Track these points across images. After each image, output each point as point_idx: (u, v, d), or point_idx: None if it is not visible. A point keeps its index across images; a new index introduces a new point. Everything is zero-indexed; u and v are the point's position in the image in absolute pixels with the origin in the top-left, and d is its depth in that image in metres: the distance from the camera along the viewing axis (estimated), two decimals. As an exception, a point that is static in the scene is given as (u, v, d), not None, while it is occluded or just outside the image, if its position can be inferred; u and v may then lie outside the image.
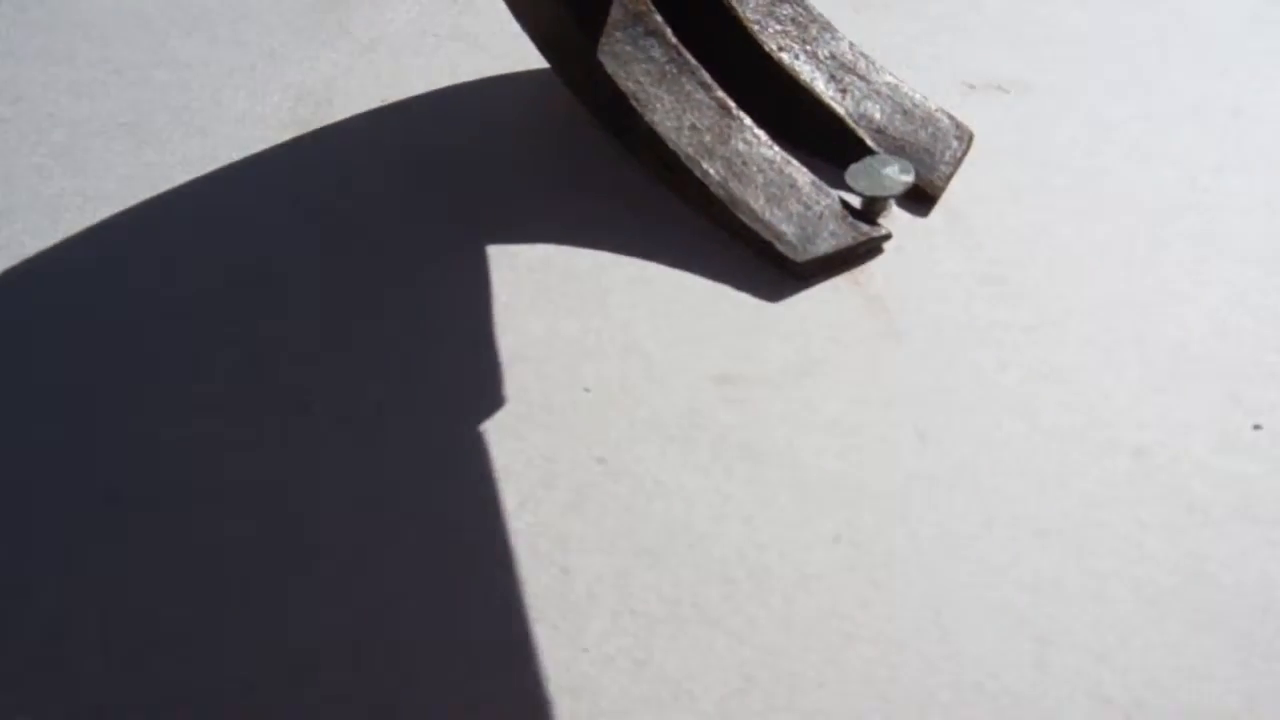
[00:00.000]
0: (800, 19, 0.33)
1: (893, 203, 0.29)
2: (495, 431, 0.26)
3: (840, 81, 0.32)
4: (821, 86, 0.32)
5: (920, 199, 0.30)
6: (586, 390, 0.26)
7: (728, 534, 0.24)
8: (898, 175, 0.29)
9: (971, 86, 0.34)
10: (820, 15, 0.33)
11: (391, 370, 0.27)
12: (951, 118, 0.31)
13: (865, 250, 0.29)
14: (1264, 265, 0.29)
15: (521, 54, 0.34)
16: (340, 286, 0.29)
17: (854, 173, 0.30)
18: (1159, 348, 0.27)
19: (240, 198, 0.33)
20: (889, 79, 0.32)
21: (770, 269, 0.29)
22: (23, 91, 0.37)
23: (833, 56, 0.32)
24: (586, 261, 0.30)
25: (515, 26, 0.33)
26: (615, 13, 0.30)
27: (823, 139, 0.31)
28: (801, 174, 0.30)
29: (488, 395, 0.26)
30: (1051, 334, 0.27)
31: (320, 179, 0.34)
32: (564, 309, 0.28)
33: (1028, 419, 0.25)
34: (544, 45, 0.32)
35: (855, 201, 0.30)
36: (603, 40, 0.30)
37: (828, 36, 0.33)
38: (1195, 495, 0.24)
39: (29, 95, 0.37)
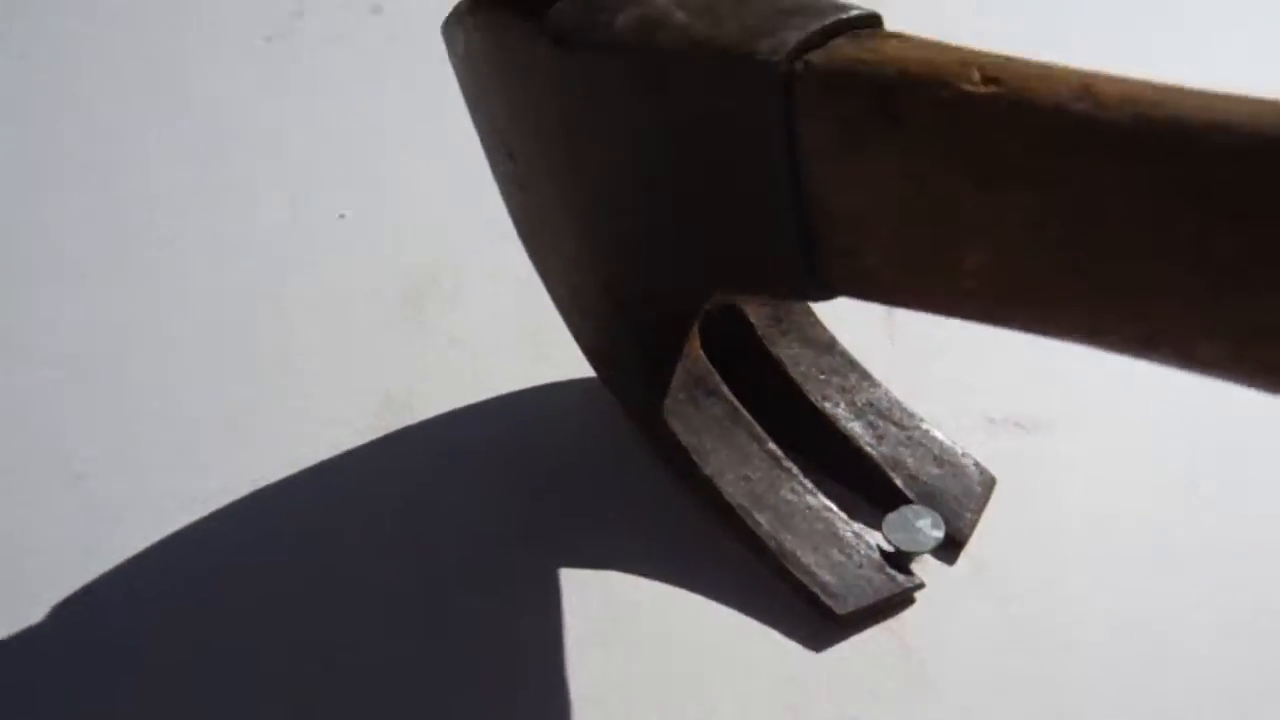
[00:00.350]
0: (841, 369, 0.37)
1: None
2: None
3: (877, 428, 0.36)
4: (859, 432, 0.35)
5: (948, 544, 0.34)
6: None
7: None
8: (930, 530, 0.33)
9: (992, 420, 0.38)
10: (859, 365, 0.37)
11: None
12: (976, 463, 0.35)
13: (901, 599, 0.32)
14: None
15: (583, 361, 0.38)
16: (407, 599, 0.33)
17: (890, 524, 0.33)
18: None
19: (322, 502, 0.37)
20: (921, 425, 0.36)
21: (810, 612, 0.32)
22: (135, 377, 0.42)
23: (870, 404, 0.36)
24: (644, 594, 0.33)
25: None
26: (679, 377, 0.34)
27: (861, 481, 0.35)
28: (843, 524, 0.33)
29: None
30: (1071, 689, 0.30)
31: (398, 485, 0.38)
32: (625, 645, 0.32)
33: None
34: (615, 394, 0.36)
35: (889, 545, 0.33)
36: (667, 401, 0.34)
37: (866, 385, 0.37)
38: None
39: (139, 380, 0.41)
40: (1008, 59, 0.23)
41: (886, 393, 0.37)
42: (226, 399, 0.41)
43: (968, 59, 0.23)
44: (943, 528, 0.33)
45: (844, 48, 0.25)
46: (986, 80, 0.22)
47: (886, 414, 0.36)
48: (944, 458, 0.35)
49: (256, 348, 0.43)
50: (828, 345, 0.37)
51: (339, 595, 0.34)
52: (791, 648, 0.31)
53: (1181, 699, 0.30)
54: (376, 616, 0.33)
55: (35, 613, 0.34)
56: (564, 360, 0.39)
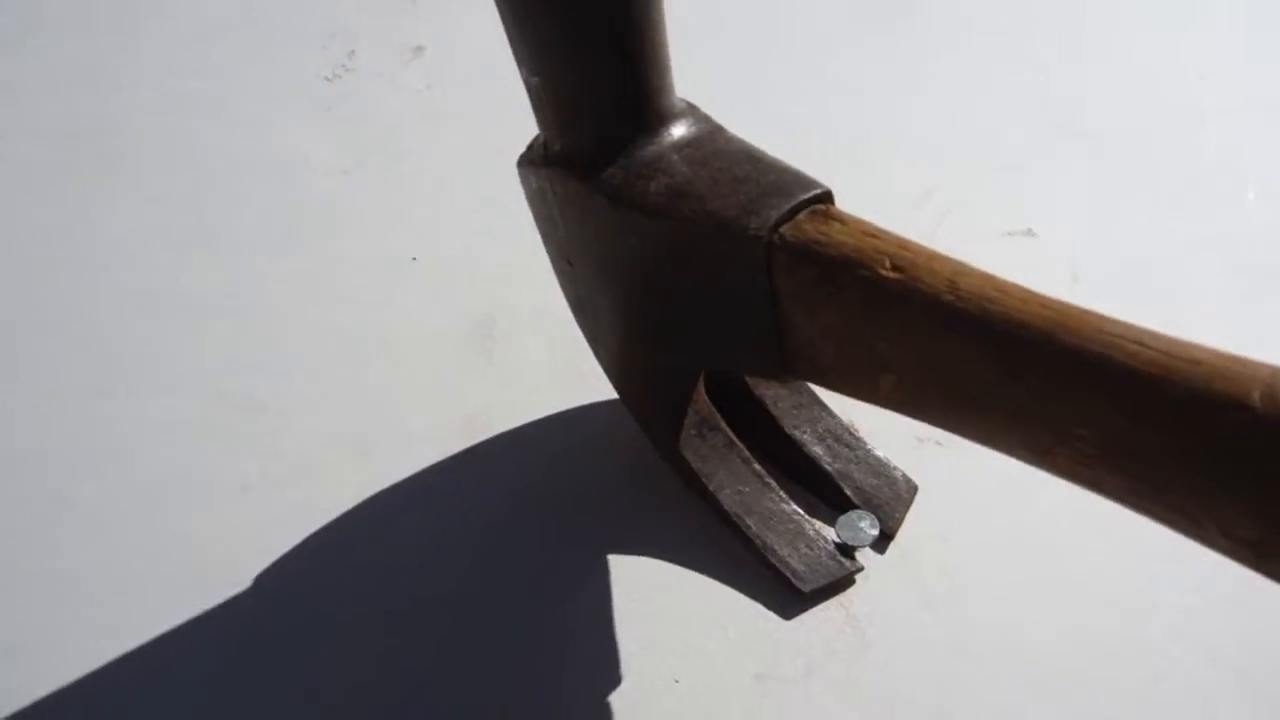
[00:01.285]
0: (807, 405, 0.50)
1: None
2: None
3: (833, 450, 0.49)
4: (820, 453, 0.48)
5: (882, 538, 0.47)
6: (676, 681, 0.43)
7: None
8: (869, 529, 0.46)
9: (920, 440, 0.51)
10: (820, 401, 0.50)
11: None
12: (904, 475, 0.48)
13: (847, 580, 0.46)
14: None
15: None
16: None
17: (841, 524, 0.46)
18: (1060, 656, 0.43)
19: (428, 503, 0.50)
20: (865, 446, 0.49)
21: (783, 590, 0.45)
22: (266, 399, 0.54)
23: (828, 431, 0.49)
24: (665, 574, 0.46)
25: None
26: (689, 418, 0.47)
27: (820, 489, 0.48)
28: (807, 524, 0.46)
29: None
30: (974, 646, 0.44)
31: (482, 487, 0.50)
32: (653, 611, 0.45)
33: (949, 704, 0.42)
34: (644, 430, 0.49)
35: (839, 539, 0.46)
36: (681, 436, 0.47)
37: (825, 415, 0.50)
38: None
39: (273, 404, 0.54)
40: (908, 251, 0.35)
41: (840, 422, 0.50)
42: (342, 424, 0.53)
43: (883, 249, 0.36)
44: (878, 527, 0.46)
45: (805, 226, 0.38)
46: (894, 269, 0.35)
47: (839, 439, 0.49)
48: (880, 471, 0.49)
49: (364, 379, 0.55)
50: (797, 387, 0.50)
51: (452, 572, 0.47)
52: (770, 614, 0.45)
53: (1049, 650, 0.43)
54: (477, 584, 0.46)
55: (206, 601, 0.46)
56: (600, 387, 0.51)
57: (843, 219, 0.37)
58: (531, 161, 0.44)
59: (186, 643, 0.44)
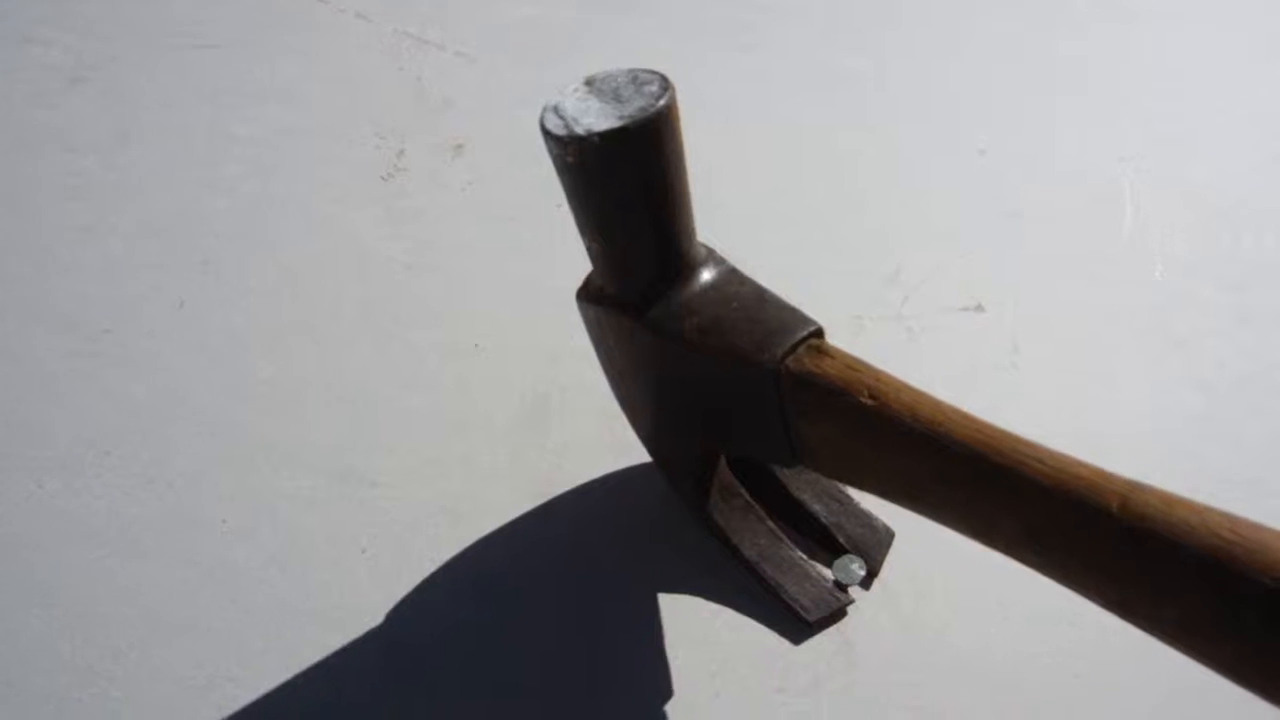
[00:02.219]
0: (805, 472, 0.63)
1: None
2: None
3: (829, 506, 0.62)
4: (819, 510, 0.62)
5: (869, 577, 0.60)
6: (717, 695, 0.56)
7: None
8: (857, 570, 0.60)
9: None
10: (817, 469, 0.63)
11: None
12: (884, 524, 0.62)
13: (841, 611, 0.59)
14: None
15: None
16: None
17: (836, 567, 0.60)
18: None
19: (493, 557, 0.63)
20: (853, 501, 0.62)
21: (793, 620, 0.59)
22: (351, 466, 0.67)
23: (825, 491, 0.63)
24: (698, 607, 0.60)
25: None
26: (715, 486, 0.61)
27: (820, 539, 0.62)
28: (813, 569, 0.60)
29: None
30: (941, 660, 0.57)
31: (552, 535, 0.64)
32: (690, 639, 0.58)
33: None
34: (678, 496, 0.62)
35: (835, 578, 0.60)
36: (709, 503, 0.60)
37: (821, 479, 0.63)
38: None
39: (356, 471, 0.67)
40: (884, 384, 0.48)
41: (833, 485, 0.63)
42: (430, 492, 0.66)
43: (864, 380, 0.49)
44: (865, 569, 0.60)
45: (804, 358, 0.51)
46: (871, 397, 0.48)
47: (833, 496, 0.63)
48: (865, 522, 0.62)
49: (445, 453, 0.69)
50: (800, 457, 0.64)
51: (532, 605, 0.60)
52: (784, 640, 0.58)
53: (1010, 658, 0.57)
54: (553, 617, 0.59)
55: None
56: (640, 452, 0.64)
57: (832, 353, 0.51)
58: (589, 298, 0.57)
59: (325, 675, 0.57)
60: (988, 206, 0.82)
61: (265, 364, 0.73)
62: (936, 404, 0.46)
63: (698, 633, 0.57)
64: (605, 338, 0.57)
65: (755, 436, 0.53)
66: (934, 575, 0.59)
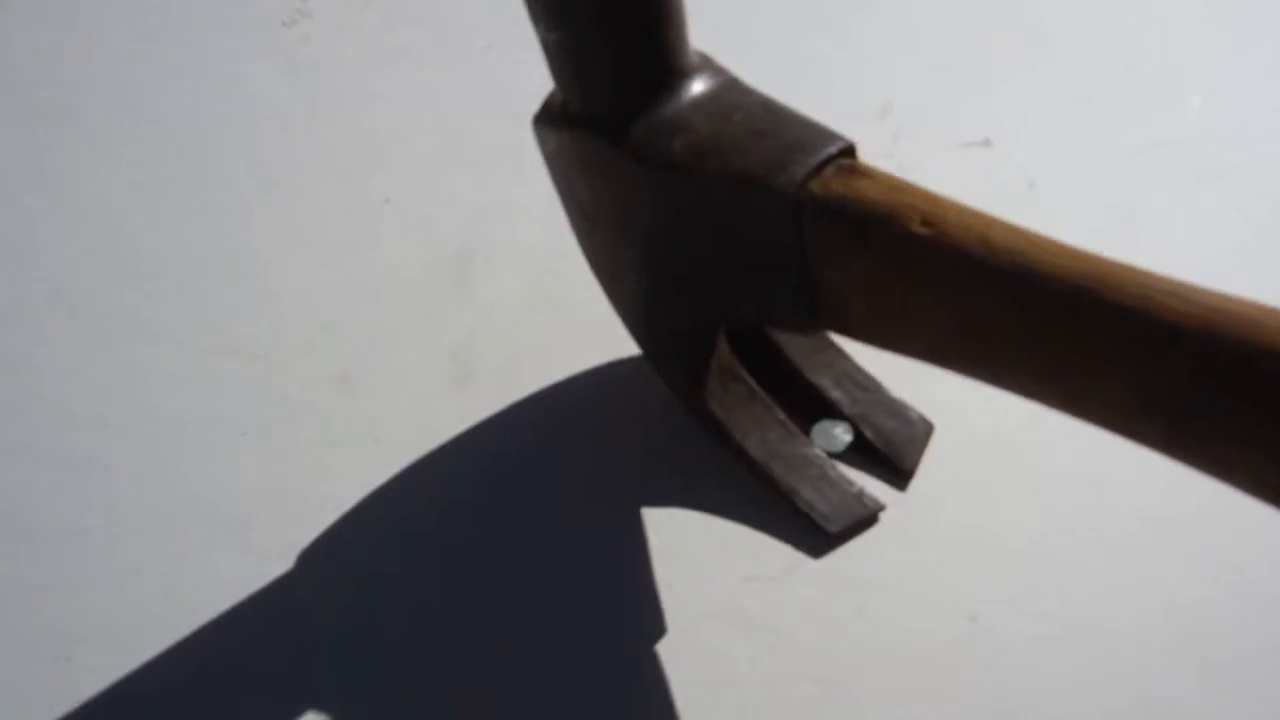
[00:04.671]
0: (823, 349, 0.51)
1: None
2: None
3: (850, 394, 0.50)
4: (839, 398, 0.50)
5: (902, 476, 0.49)
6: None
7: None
8: (842, 435, 0.48)
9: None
10: (835, 344, 0.51)
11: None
12: (920, 415, 0.50)
13: (870, 518, 0.47)
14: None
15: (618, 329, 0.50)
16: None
17: (816, 432, 0.48)
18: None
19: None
20: (881, 389, 0.50)
21: (810, 531, 0.47)
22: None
23: (845, 374, 0.50)
24: (697, 521, 0.48)
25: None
26: (712, 369, 0.48)
27: (838, 430, 0.50)
28: (831, 468, 0.48)
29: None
30: (971, 570, 0.46)
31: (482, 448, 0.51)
32: (671, 556, 0.47)
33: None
34: (666, 382, 0.50)
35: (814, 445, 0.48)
36: (705, 388, 0.48)
37: (841, 360, 0.51)
38: None
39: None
40: (941, 208, 0.36)
41: (856, 366, 0.51)
42: (329, 364, 0.54)
43: (914, 203, 0.37)
44: (851, 433, 0.49)
45: (832, 181, 0.38)
46: (924, 223, 0.36)
47: (857, 383, 0.51)
48: (897, 412, 0.50)
49: (348, 320, 0.56)
50: (815, 334, 0.51)
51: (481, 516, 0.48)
52: (801, 556, 0.46)
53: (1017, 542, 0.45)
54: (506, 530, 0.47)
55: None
56: (585, 320, 0.53)
57: (870, 174, 0.38)
58: (550, 121, 0.44)
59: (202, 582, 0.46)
60: (998, 30, 0.71)
61: (135, 231, 0.62)
62: (1014, 228, 0.35)
63: (695, 555, 0.46)
64: (570, 174, 0.45)
65: (765, 294, 0.41)
66: (982, 476, 0.48)
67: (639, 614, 0.45)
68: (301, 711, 0.42)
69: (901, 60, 0.70)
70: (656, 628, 0.44)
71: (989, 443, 0.49)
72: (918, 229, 0.36)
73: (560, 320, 0.55)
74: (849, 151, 0.39)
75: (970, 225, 0.35)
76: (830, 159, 0.39)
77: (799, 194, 0.37)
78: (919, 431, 0.49)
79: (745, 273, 0.41)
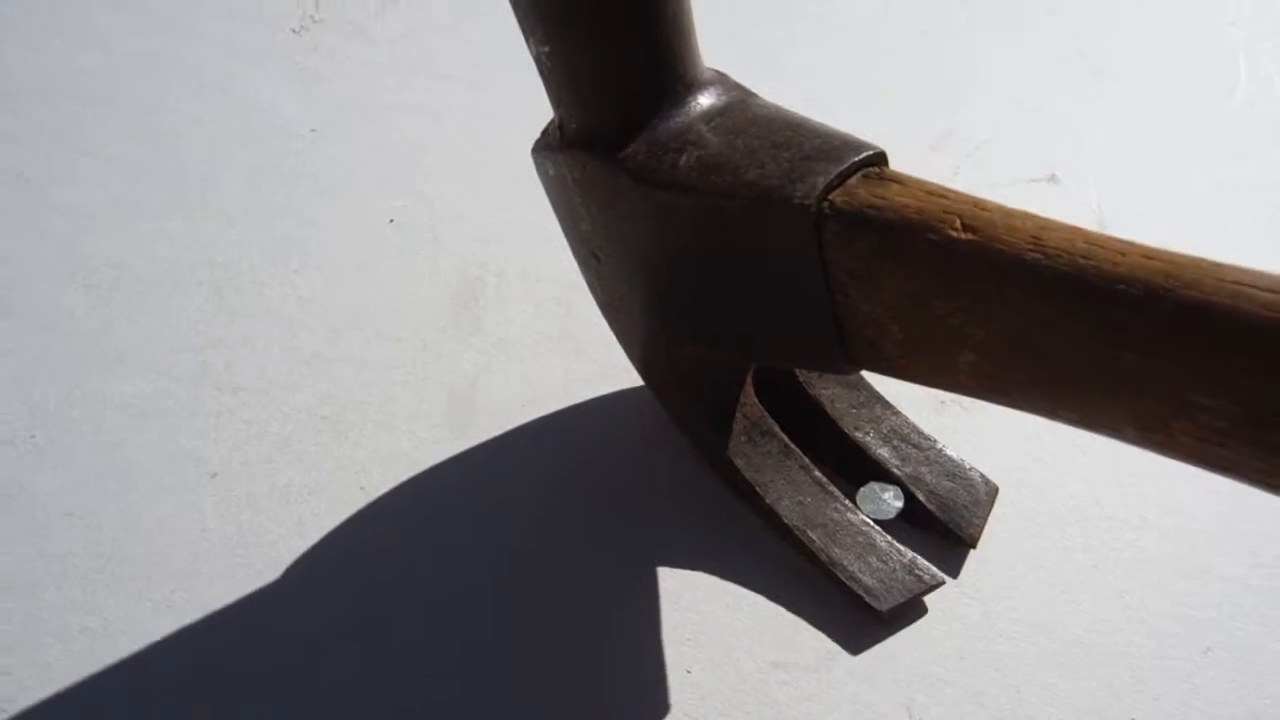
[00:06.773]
0: (868, 402, 0.45)
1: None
2: None
3: (900, 451, 0.44)
4: (887, 456, 0.43)
5: (963, 545, 0.42)
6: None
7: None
8: (892, 501, 0.42)
9: (942, 403, 0.46)
10: (881, 397, 0.45)
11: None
12: (981, 475, 0.43)
13: (927, 590, 0.40)
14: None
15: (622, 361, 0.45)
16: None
17: (862, 496, 0.42)
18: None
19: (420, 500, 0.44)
20: (936, 446, 0.44)
21: (855, 609, 0.40)
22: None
23: (893, 431, 0.44)
24: (721, 595, 0.41)
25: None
26: (738, 423, 0.43)
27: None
28: (880, 535, 0.41)
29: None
30: (1041, 647, 0.39)
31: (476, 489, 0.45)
32: (690, 636, 0.40)
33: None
34: (687, 437, 0.44)
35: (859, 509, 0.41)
36: (731, 443, 0.42)
37: (889, 414, 0.45)
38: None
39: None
40: (982, 209, 0.31)
41: (905, 420, 0.45)
42: (317, 407, 0.48)
43: (951, 208, 0.31)
44: (902, 499, 0.42)
45: (858, 190, 0.33)
46: (965, 229, 0.30)
47: (906, 438, 0.44)
48: (955, 473, 0.44)
49: (342, 353, 0.51)
50: (855, 383, 0.45)
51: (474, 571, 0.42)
52: (835, 647, 0.40)
53: (1088, 622, 0.38)
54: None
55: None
56: (597, 353, 0.48)
57: (901, 180, 0.33)
58: (548, 146, 0.40)
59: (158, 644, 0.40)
60: (1064, 63, 0.67)
61: (112, 245, 0.57)
62: (1070, 228, 0.29)
63: (709, 629, 0.40)
64: (573, 203, 0.40)
65: (786, 326, 0.36)
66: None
67: (653, 708, 0.38)
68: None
69: (963, 89, 0.66)
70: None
71: (1062, 506, 0.43)
72: (958, 235, 0.30)
73: (575, 362, 0.50)
74: (879, 159, 0.34)
75: (1019, 227, 0.30)
76: (856, 167, 0.33)
77: (819, 205, 0.32)
78: (981, 494, 0.43)
79: (763, 304, 0.36)
